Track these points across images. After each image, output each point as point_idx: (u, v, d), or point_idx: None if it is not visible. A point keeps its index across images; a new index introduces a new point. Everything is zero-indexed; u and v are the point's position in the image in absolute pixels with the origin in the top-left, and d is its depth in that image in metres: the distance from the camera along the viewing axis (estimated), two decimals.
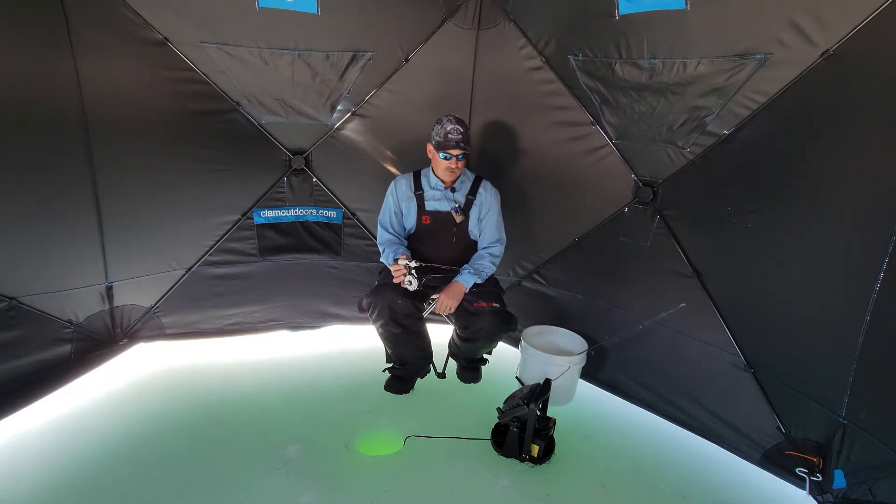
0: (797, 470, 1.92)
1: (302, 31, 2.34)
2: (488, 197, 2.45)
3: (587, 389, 2.59)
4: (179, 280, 2.65)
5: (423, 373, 2.59)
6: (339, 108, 2.59)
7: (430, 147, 2.36)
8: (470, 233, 2.47)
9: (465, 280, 2.35)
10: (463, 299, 2.34)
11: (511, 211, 2.78)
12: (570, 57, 2.29)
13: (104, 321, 2.51)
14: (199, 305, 2.73)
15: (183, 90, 2.33)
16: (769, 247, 1.91)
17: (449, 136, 2.25)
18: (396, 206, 2.45)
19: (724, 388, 2.15)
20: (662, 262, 2.27)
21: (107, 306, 2.49)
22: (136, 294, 2.57)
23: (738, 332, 2.09)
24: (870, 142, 1.61)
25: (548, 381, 2.14)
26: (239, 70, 2.36)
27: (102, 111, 2.17)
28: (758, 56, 1.77)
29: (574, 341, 2.57)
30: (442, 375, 2.65)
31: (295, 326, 2.95)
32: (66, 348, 2.34)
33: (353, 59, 2.46)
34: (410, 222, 2.47)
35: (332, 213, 2.83)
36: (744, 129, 1.91)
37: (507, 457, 2.09)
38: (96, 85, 2.13)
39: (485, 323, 2.28)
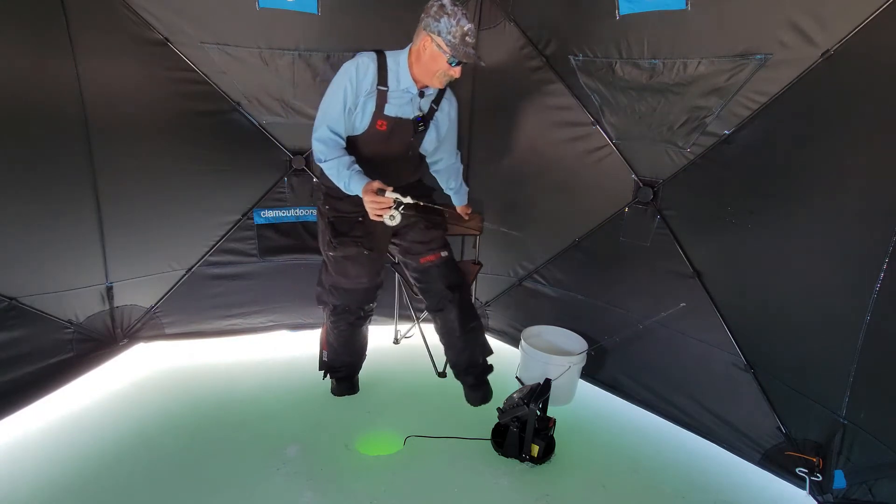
0: (797, 470, 1.92)
1: (302, 32, 2.33)
2: (452, 111, 2.11)
3: (587, 389, 2.59)
4: (179, 280, 2.65)
5: (358, 368, 2.52)
6: None
7: (428, 42, 1.80)
8: (422, 148, 2.10)
9: (464, 201, 2.50)
10: (411, 254, 2.19)
11: (512, 211, 2.79)
12: (571, 57, 2.29)
13: (104, 321, 2.51)
14: (200, 306, 2.73)
15: (183, 90, 2.33)
16: (769, 247, 1.91)
17: (467, 38, 1.79)
18: (354, 100, 1.86)
19: (724, 388, 2.15)
20: (662, 262, 2.27)
21: (107, 306, 2.49)
22: (136, 294, 2.57)
23: (738, 332, 2.09)
24: (870, 142, 1.60)
25: (548, 381, 2.14)
26: (239, 70, 2.36)
27: (102, 111, 2.17)
28: (758, 56, 1.77)
29: (574, 341, 2.57)
30: (442, 375, 2.65)
31: (295, 326, 2.95)
32: (66, 348, 2.34)
33: None
34: (362, 125, 1.92)
35: None
36: (744, 130, 1.91)
37: (507, 457, 2.10)
38: (96, 85, 2.13)
39: (440, 273, 2.19)
